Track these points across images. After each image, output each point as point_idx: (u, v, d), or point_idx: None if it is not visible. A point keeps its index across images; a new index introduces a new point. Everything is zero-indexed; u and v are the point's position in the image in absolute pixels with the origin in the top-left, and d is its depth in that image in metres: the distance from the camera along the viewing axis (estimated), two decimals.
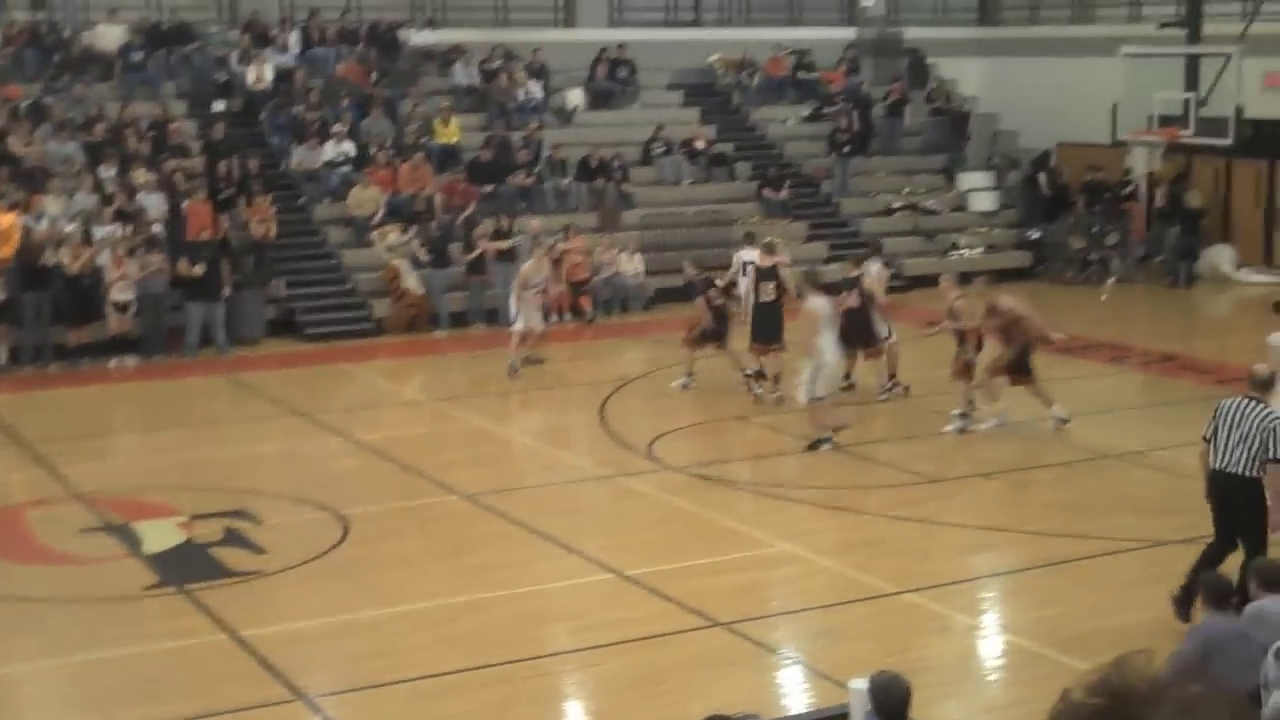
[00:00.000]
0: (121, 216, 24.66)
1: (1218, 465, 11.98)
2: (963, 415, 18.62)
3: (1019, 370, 18.42)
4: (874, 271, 20.78)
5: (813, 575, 13.88)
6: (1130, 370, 23.00)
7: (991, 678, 12.13)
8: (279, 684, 11.58)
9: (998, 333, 18.37)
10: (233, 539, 14.95)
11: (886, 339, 20.31)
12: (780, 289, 20.24)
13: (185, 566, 14.24)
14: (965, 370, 18.72)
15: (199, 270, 23.68)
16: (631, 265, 27.68)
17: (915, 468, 17.24)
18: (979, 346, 18.75)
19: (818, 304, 18.04)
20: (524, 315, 22.02)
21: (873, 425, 19.22)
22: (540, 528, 15.14)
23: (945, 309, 18.96)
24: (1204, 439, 12.18)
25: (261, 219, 25.54)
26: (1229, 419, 11.93)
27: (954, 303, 18.76)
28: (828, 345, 17.89)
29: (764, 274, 20.38)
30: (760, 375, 20.38)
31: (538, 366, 22.48)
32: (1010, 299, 18.77)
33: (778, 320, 20.16)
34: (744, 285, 20.92)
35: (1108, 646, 11.64)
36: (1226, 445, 11.90)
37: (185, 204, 25.25)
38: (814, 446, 17.90)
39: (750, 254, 21.20)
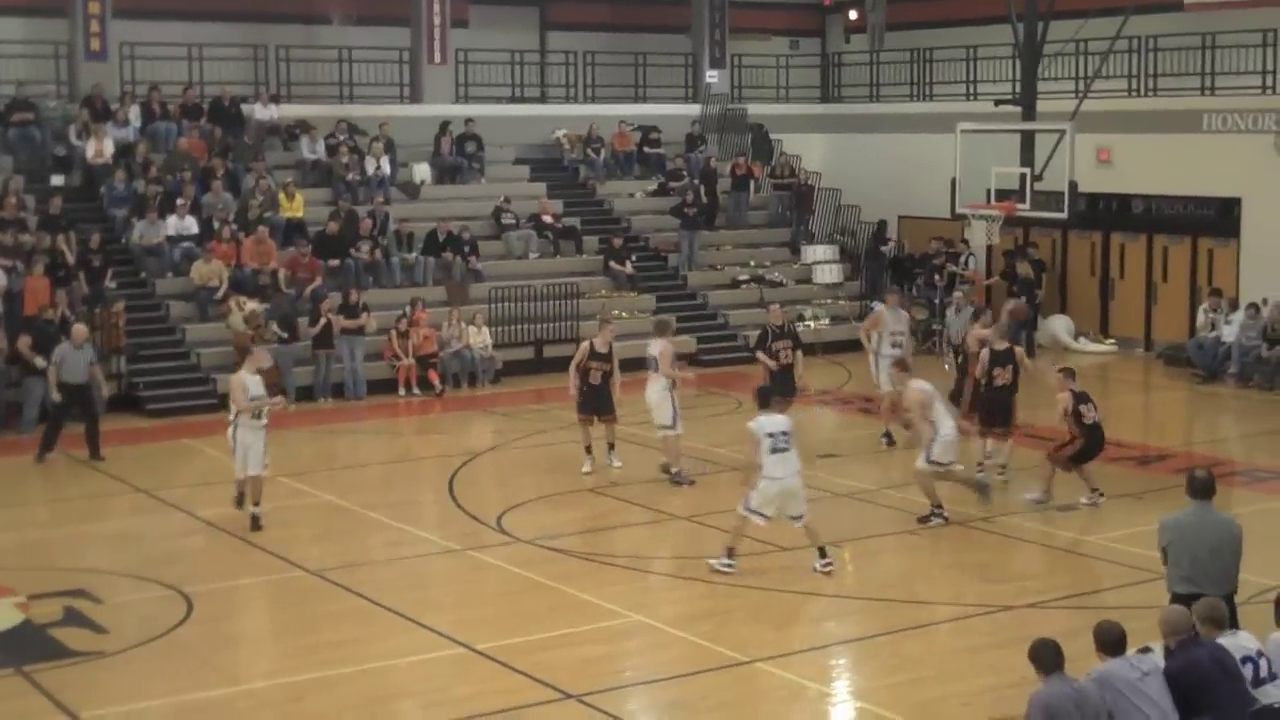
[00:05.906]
0: None
1: None
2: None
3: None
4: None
5: (664, 645, 13.86)
6: (973, 440, 23.26)
7: None
8: None
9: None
10: (73, 618, 14.60)
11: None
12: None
13: (23, 647, 13.86)
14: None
15: (26, 350, 23.17)
16: (480, 338, 27.62)
17: (763, 537, 17.30)
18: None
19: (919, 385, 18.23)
20: None
21: (716, 495, 19.28)
22: (388, 603, 14.96)
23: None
24: None
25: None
26: None
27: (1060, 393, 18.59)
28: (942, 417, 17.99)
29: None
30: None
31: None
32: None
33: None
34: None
35: (955, 712, 11.78)
36: None
37: (23, 279, 24.77)
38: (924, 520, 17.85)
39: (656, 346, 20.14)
